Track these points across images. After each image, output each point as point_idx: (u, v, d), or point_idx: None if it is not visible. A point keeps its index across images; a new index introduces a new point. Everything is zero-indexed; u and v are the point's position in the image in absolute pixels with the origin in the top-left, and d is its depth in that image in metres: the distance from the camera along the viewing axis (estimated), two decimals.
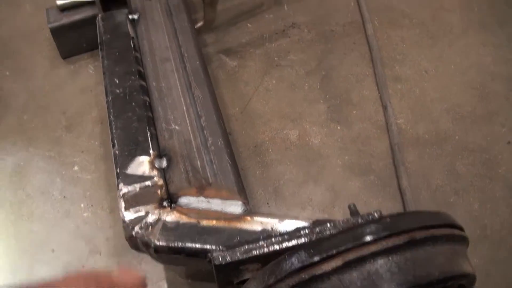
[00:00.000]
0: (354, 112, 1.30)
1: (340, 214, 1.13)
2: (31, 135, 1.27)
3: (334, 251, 0.64)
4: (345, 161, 1.22)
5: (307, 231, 0.79)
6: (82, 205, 1.16)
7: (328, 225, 0.78)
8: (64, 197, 1.18)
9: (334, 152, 1.23)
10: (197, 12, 1.46)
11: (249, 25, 1.47)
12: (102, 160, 1.23)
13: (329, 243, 0.65)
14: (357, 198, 1.16)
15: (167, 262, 0.92)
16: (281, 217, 0.85)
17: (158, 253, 0.83)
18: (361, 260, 0.63)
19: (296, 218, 0.86)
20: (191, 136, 0.93)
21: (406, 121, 1.28)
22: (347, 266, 0.63)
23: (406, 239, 0.64)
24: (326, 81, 1.35)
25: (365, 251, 0.63)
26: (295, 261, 0.65)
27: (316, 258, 0.64)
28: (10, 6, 1.56)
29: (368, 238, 0.64)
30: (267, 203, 1.16)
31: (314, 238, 0.76)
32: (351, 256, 0.63)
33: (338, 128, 1.27)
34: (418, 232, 0.67)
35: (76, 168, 1.22)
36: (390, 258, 0.63)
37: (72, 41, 1.33)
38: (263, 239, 0.80)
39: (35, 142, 1.26)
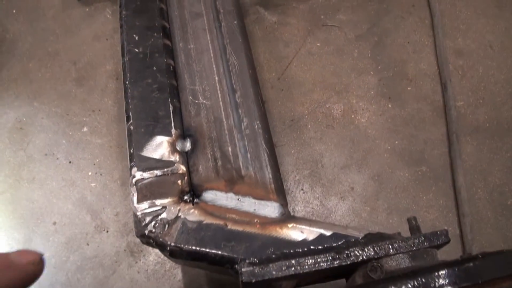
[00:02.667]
0: (409, 88, 1.12)
1: (384, 209, 0.99)
2: (37, 87, 1.12)
3: None
4: (394, 146, 1.05)
5: (360, 249, 0.63)
6: (89, 173, 1.03)
7: (390, 246, 0.63)
8: (70, 162, 1.04)
9: (383, 135, 1.07)
10: None
11: None
12: (115, 122, 1.07)
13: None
14: (405, 192, 1.01)
15: (185, 264, 0.78)
16: (326, 226, 0.70)
17: (175, 257, 0.68)
18: None
19: (345, 228, 0.70)
20: (223, 115, 0.76)
21: (466, 105, 1.12)
22: None
23: None
24: (379, 49, 1.17)
25: None
26: None
27: None
28: None
29: None
30: (302, 189, 1.01)
31: (372, 255, 0.61)
32: None
33: (389, 106, 1.10)
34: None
35: (85, 129, 1.07)
36: None
37: None
38: (305, 254, 0.65)
39: (41, 96, 1.10)
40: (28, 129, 1.07)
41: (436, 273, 0.52)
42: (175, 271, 0.95)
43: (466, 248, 0.96)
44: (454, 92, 1.11)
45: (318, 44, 1.16)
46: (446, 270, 0.52)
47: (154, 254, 0.96)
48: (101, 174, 1.03)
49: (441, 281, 0.52)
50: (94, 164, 1.03)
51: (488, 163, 1.05)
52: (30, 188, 1.01)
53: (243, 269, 0.65)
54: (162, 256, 0.92)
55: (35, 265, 0.36)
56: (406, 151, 1.05)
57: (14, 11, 1.22)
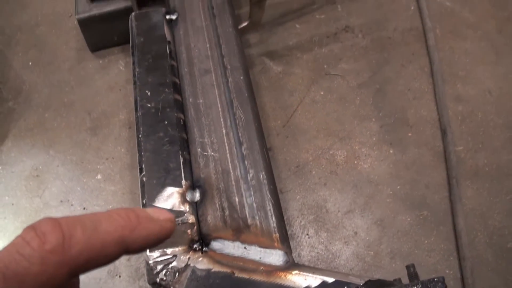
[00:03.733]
0: (410, 134, 1.16)
1: (387, 253, 1.01)
2: (53, 135, 1.17)
3: None
4: (396, 191, 1.09)
5: None
6: None
7: None
8: (84, 208, 1.08)
9: (385, 180, 1.10)
10: (242, 7, 1.33)
11: (297, 25, 1.33)
12: (128, 169, 1.12)
13: None
14: (407, 236, 1.04)
15: None
16: (328, 273, 0.73)
17: None
18: None
19: (346, 275, 0.73)
20: (230, 166, 0.81)
21: (465, 149, 1.15)
22: None
23: None
24: (380, 96, 1.21)
25: None
26: None
27: None
28: None
29: None
30: (307, 234, 1.04)
31: None
32: None
33: (391, 151, 1.13)
34: None
35: (99, 176, 1.11)
36: None
37: (102, 33, 1.21)
38: None
39: (56, 144, 1.15)
40: (44, 177, 1.12)
41: None
42: None
43: None
44: (454, 138, 1.15)
45: (322, 93, 1.21)
46: None
47: None
48: None
49: None
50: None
51: (488, 207, 1.08)
52: None
53: None
54: None
55: (171, 222, 0.37)
56: (408, 196, 1.08)
57: (30, 63, 1.29)
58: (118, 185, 1.10)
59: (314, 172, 1.10)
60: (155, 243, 0.36)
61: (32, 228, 0.30)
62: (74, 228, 0.30)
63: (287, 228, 1.03)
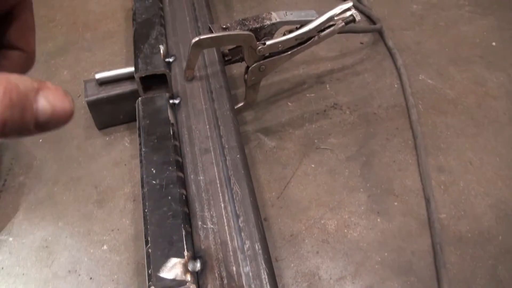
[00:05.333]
0: (396, 203, 1.24)
1: None
2: (61, 208, 1.24)
3: None
4: (384, 257, 1.15)
5: None
6: None
7: None
8: (91, 278, 1.14)
9: (374, 247, 1.16)
10: (238, 88, 1.44)
11: (289, 103, 1.44)
12: (132, 240, 1.19)
13: None
14: None
15: None
16: None
17: None
18: None
19: None
20: (228, 238, 0.88)
21: (448, 217, 1.22)
22: None
23: None
24: (367, 168, 1.30)
25: None
26: None
27: None
28: (47, 70, 1.56)
29: None
30: None
31: None
32: None
33: (378, 220, 1.21)
34: None
35: (105, 247, 1.18)
36: None
37: (108, 113, 1.31)
38: None
39: (65, 217, 1.23)
40: (53, 248, 1.19)
41: None
42: None
43: None
44: (437, 206, 1.22)
45: (313, 165, 1.30)
46: None
47: None
48: None
49: None
50: (112, 280, 1.13)
51: (471, 272, 1.13)
52: None
53: None
54: None
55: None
56: (395, 262, 1.14)
57: (41, 140, 1.38)
58: (123, 255, 1.16)
59: (307, 241, 1.17)
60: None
61: None
62: None
63: None
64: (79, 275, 1.14)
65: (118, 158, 1.33)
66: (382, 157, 1.33)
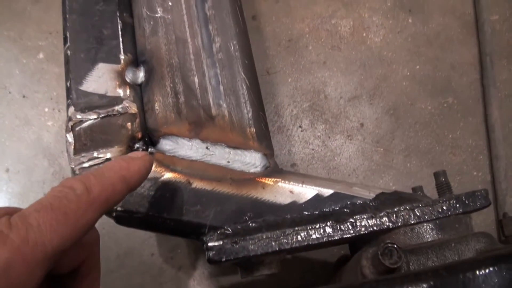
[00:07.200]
0: None
1: (400, 150, 0.85)
2: None
3: None
4: (415, 71, 0.90)
5: (369, 217, 0.47)
6: (46, 110, 0.90)
7: (410, 213, 0.46)
8: (23, 96, 0.90)
9: (401, 57, 0.91)
10: None
11: None
12: None
13: None
14: (426, 129, 0.88)
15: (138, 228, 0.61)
16: (324, 183, 0.53)
17: (124, 225, 0.53)
18: None
19: (349, 186, 0.53)
20: (187, 33, 0.58)
21: (502, 19, 0.95)
22: None
23: None
24: None
25: None
26: None
27: None
28: None
29: None
30: (300, 126, 0.85)
31: (387, 225, 0.46)
32: None
33: (410, 21, 0.93)
34: None
35: (41, 55, 0.91)
36: None
37: None
38: (294, 222, 0.49)
39: None
40: None
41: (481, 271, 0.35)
42: None
43: (498, 198, 0.82)
44: (488, 3, 0.94)
45: None
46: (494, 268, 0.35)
47: None
48: (59, 111, 0.88)
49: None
50: (51, 99, 0.88)
51: None
52: None
53: (210, 244, 0.48)
54: None
55: (147, 156, 0.43)
56: (429, 78, 0.90)
57: None
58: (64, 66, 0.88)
59: (311, 48, 0.91)
60: (145, 175, 0.42)
61: (61, 186, 0.36)
62: (88, 178, 0.37)
63: (274, 119, 0.83)
64: (9, 92, 0.90)
65: None
66: None
